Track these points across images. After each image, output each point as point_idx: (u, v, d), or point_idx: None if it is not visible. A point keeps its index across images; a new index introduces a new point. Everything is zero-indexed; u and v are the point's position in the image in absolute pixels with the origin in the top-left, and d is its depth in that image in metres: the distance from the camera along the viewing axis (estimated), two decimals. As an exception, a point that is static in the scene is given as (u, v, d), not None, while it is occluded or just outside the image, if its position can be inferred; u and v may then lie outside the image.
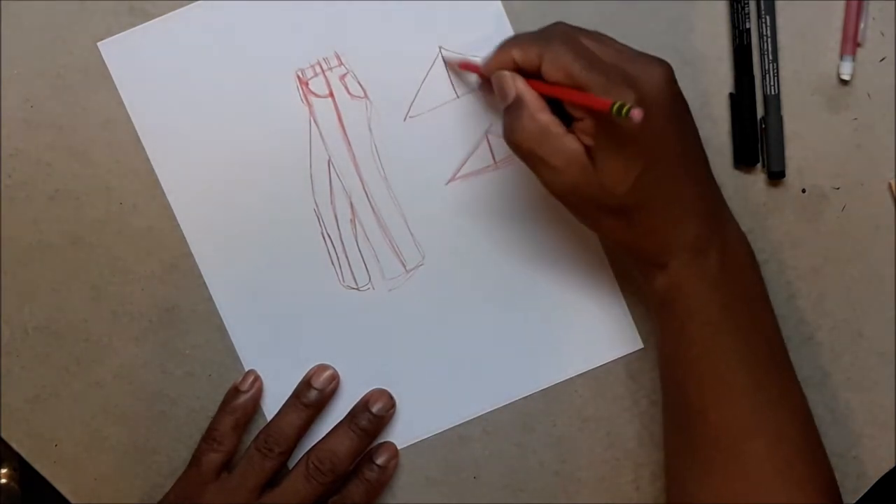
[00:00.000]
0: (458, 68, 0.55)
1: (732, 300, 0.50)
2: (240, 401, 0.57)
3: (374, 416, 0.57)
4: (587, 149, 0.48)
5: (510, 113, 0.49)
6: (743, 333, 0.51)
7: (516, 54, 0.49)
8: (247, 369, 0.58)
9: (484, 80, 0.54)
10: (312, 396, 0.56)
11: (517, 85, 0.49)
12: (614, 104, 0.44)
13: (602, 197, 0.48)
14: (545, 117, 0.48)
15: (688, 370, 0.51)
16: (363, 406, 0.57)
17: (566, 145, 0.48)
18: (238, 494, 0.55)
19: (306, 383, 0.57)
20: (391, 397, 0.57)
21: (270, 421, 0.57)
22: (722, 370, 0.50)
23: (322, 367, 0.57)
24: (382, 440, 0.58)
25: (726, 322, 0.50)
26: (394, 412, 0.58)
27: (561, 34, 0.48)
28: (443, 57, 0.56)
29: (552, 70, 0.47)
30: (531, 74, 0.49)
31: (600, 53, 0.47)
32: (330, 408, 0.58)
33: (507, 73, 0.50)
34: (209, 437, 0.56)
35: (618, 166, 0.47)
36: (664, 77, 0.48)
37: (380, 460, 0.57)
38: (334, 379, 0.57)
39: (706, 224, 0.50)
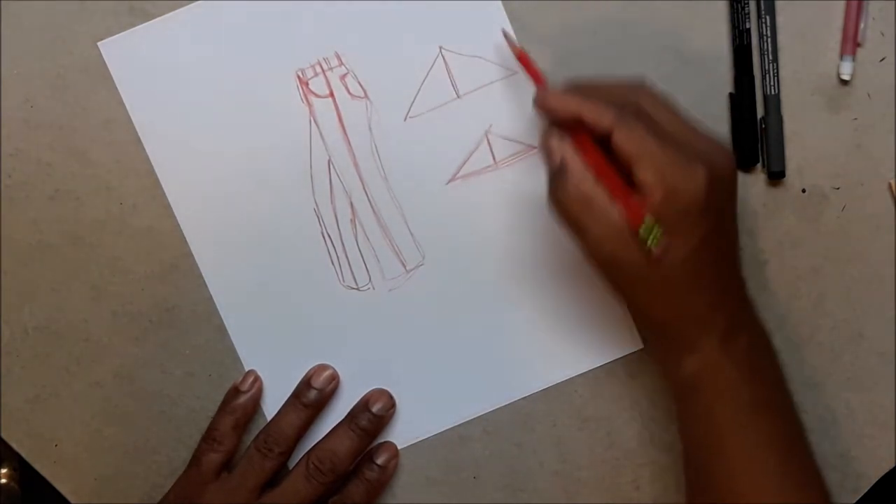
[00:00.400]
0: (516, 56, 0.53)
1: (760, 384, 0.51)
2: (240, 401, 0.57)
3: (374, 416, 0.57)
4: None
5: (555, 177, 0.49)
6: (770, 417, 0.51)
7: (587, 113, 0.48)
8: (247, 369, 0.58)
9: (530, 76, 0.52)
10: (312, 396, 0.56)
11: (564, 150, 0.48)
12: (642, 230, 0.46)
13: (643, 270, 0.48)
14: (591, 187, 0.48)
15: (716, 454, 0.51)
16: (363, 406, 0.57)
17: (610, 216, 0.47)
18: (238, 494, 0.55)
19: (306, 383, 0.57)
20: (391, 397, 0.57)
21: (270, 421, 0.57)
22: (751, 453, 0.50)
23: (322, 367, 0.57)
24: (382, 440, 0.58)
25: (755, 405, 0.50)
26: (394, 412, 0.58)
27: (634, 106, 0.48)
28: (504, 35, 0.54)
29: (626, 144, 0.47)
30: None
31: (670, 126, 0.48)
32: (330, 408, 0.58)
33: (555, 138, 0.49)
34: (209, 437, 0.56)
35: (668, 241, 0.47)
36: (728, 159, 0.49)
37: (380, 460, 0.57)
38: (334, 379, 0.57)
39: (739, 308, 0.50)
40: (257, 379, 0.57)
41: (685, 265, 0.48)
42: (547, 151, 0.49)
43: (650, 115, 0.48)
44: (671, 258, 0.47)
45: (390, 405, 0.57)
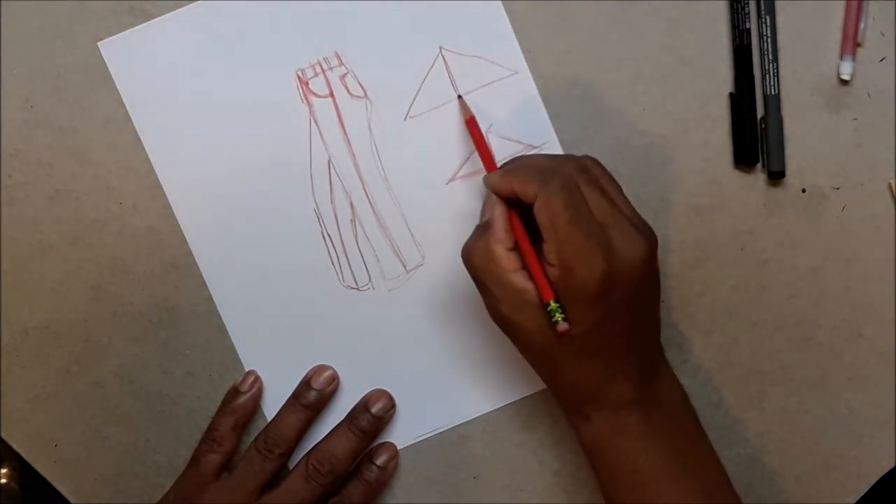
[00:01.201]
0: (466, 121, 0.54)
1: (664, 450, 0.51)
2: (240, 401, 0.57)
3: (373, 416, 0.57)
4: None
5: (477, 230, 0.50)
6: (679, 481, 0.51)
7: (517, 187, 0.49)
8: (247, 369, 0.58)
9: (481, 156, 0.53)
10: (312, 397, 0.56)
11: (494, 211, 0.50)
12: (550, 304, 0.47)
13: (537, 339, 0.49)
14: (500, 250, 0.49)
15: None
16: (363, 407, 0.57)
17: (511, 281, 0.48)
18: (238, 495, 0.55)
19: (306, 384, 0.57)
20: (391, 398, 0.57)
21: (270, 422, 0.57)
22: None
23: (321, 368, 0.57)
24: (382, 440, 0.58)
25: (655, 470, 0.51)
26: (393, 413, 0.58)
27: (565, 182, 0.48)
28: (460, 102, 0.56)
29: (540, 215, 0.47)
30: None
31: (595, 207, 0.48)
32: (330, 408, 0.58)
33: (492, 197, 0.50)
34: (209, 437, 0.56)
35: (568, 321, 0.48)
36: (643, 256, 0.48)
37: (379, 461, 0.57)
38: (334, 380, 0.57)
39: (635, 387, 0.50)
40: (257, 379, 0.57)
41: (575, 344, 0.48)
42: (484, 205, 0.51)
43: (577, 190, 0.48)
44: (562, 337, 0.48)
45: (390, 406, 0.57)
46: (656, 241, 0.49)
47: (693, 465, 0.52)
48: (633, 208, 0.50)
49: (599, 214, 0.48)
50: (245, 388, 0.57)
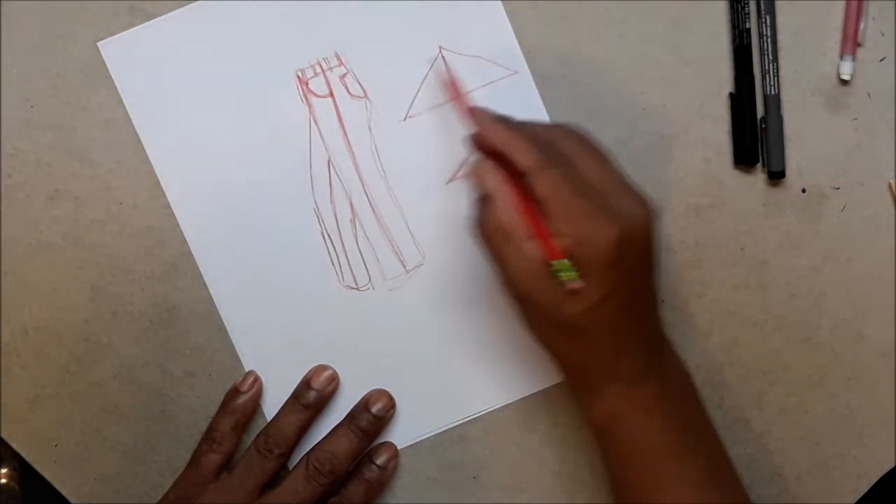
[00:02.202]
0: (445, 86, 0.53)
1: (671, 427, 0.51)
2: (239, 401, 0.57)
3: (373, 416, 0.57)
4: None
5: (481, 204, 0.49)
6: (684, 458, 0.51)
7: (512, 150, 0.47)
8: (247, 369, 0.58)
9: (457, 105, 0.52)
10: (311, 397, 0.56)
11: (494, 180, 0.48)
12: (555, 263, 0.46)
13: (553, 311, 0.48)
14: (512, 218, 0.47)
15: (635, 493, 0.51)
16: (363, 406, 0.57)
17: (528, 251, 0.47)
18: (237, 495, 0.55)
19: (305, 384, 0.57)
20: (391, 398, 0.57)
21: (270, 422, 0.57)
22: (666, 493, 0.51)
23: (321, 368, 0.57)
24: (382, 440, 0.58)
25: (666, 448, 0.51)
26: (393, 413, 0.58)
27: (561, 154, 0.48)
28: (439, 61, 0.55)
29: (542, 188, 0.47)
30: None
31: (593, 176, 0.48)
32: (330, 408, 0.58)
33: (489, 167, 0.48)
34: (209, 437, 0.56)
35: (574, 291, 0.48)
36: (645, 218, 0.48)
37: (380, 460, 0.57)
38: (334, 380, 0.57)
39: (646, 358, 0.50)
40: (257, 379, 0.57)
41: (591, 314, 0.48)
42: (477, 178, 0.49)
43: (573, 162, 0.48)
44: (577, 306, 0.48)
45: (390, 406, 0.57)
46: (654, 207, 0.49)
47: (697, 441, 0.52)
48: (624, 176, 0.49)
49: (598, 183, 0.47)
50: (245, 388, 0.57)
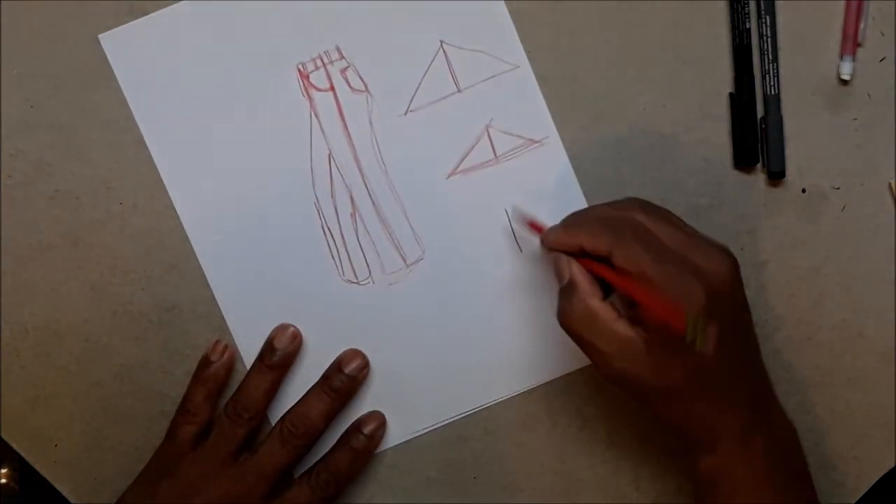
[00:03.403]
0: (525, 226, 0.55)
1: (776, 480, 0.51)
2: (211, 370, 0.56)
3: (346, 376, 0.57)
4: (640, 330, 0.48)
5: (563, 295, 0.50)
6: None
7: (585, 242, 0.49)
8: (248, 366, 0.57)
9: (532, 229, 0.54)
10: (276, 357, 0.56)
11: (571, 269, 0.50)
12: (689, 328, 0.45)
13: (652, 382, 0.49)
14: (596, 304, 0.49)
15: None
16: (336, 367, 0.57)
17: (617, 332, 0.48)
18: (212, 463, 0.55)
19: (269, 345, 0.57)
20: (364, 357, 0.57)
21: (238, 388, 0.56)
22: None
23: (283, 327, 0.57)
24: (385, 435, 0.58)
25: (770, 501, 0.51)
26: (367, 372, 0.57)
27: (632, 226, 0.49)
28: (511, 212, 0.56)
29: (624, 264, 0.47)
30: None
31: (668, 239, 0.48)
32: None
33: (563, 257, 0.51)
34: (183, 409, 0.56)
35: (672, 358, 0.48)
36: (728, 268, 0.49)
37: (367, 429, 0.57)
38: (296, 337, 0.57)
39: (753, 413, 0.50)
40: (227, 347, 0.57)
41: (693, 377, 0.48)
42: (557, 270, 0.51)
43: (649, 231, 0.48)
44: (678, 372, 0.48)
45: (363, 365, 0.57)
46: (735, 257, 0.49)
47: (798, 499, 0.52)
48: (697, 232, 0.50)
49: (675, 245, 0.48)
50: (215, 356, 0.57)
